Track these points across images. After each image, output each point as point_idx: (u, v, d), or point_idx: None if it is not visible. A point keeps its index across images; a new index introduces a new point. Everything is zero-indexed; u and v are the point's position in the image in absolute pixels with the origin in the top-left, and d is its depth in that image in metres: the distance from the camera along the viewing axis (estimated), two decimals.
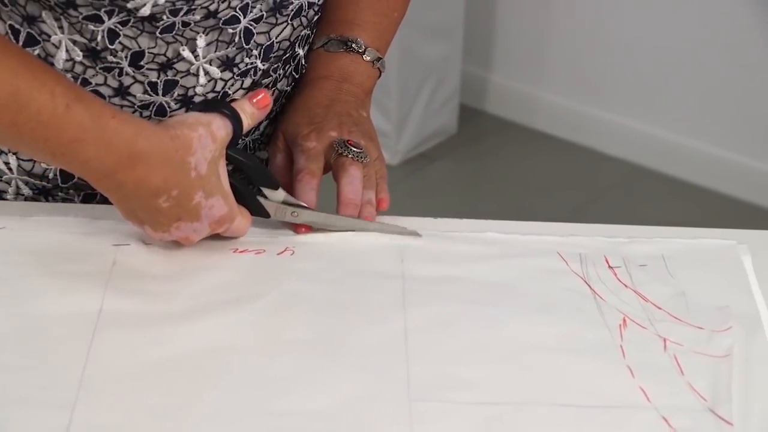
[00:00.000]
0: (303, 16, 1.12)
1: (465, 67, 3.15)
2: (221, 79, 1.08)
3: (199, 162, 0.98)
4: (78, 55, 1.04)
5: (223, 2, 1.03)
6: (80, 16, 1.01)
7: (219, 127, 1.00)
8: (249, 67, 1.10)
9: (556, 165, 3.06)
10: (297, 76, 1.19)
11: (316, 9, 1.14)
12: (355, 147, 1.09)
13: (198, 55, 1.06)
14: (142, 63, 1.04)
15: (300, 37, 1.15)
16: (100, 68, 1.05)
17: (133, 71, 1.05)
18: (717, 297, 1.01)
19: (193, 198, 0.98)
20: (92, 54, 1.04)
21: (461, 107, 3.16)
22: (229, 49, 1.07)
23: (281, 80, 1.16)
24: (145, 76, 1.05)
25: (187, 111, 1.06)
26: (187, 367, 0.91)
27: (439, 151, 3.09)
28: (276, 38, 1.10)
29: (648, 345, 0.96)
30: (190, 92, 1.08)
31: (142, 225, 1.00)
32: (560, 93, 3.16)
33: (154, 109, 1.08)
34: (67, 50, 1.03)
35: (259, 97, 1.04)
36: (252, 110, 1.04)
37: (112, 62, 1.04)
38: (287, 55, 1.14)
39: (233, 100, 1.08)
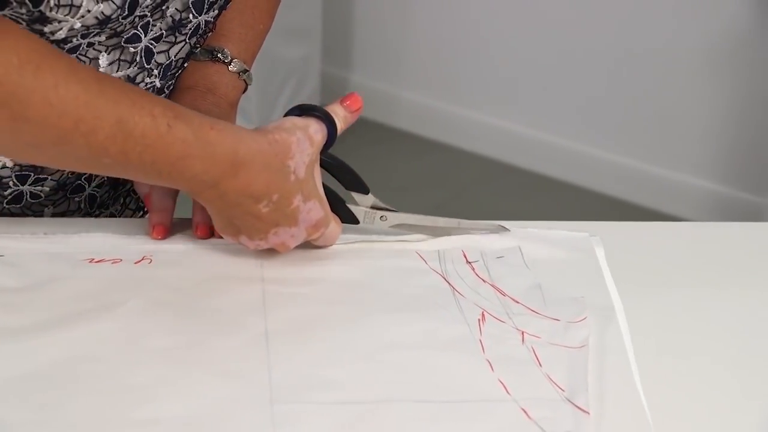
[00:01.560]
0: (200, 35, 1.12)
1: (324, 68, 3.16)
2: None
3: (297, 166, 0.99)
4: None
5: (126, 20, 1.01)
6: None
7: (316, 131, 1.01)
8: (148, 86, 1.09)
9: (417, 163, 3.09)
10: None
11: (210, 27, 1.14)
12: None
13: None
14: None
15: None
16: None
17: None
18: (572, 288, 1.03)
19: (292, 202, 0.99)
20: None
21: None
22: (130, 68, 1.06)
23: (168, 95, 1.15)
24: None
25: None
26: (45, 378, 0.90)
27: None
28: (174, 57, 1.10)
29: (506, 338, 0.97)
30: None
31: (238, 235, 1.01)
32: (420, 92, 3.19)
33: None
34: None
35: (351, 100, 1.06)
36: (344, 114, 1.05)
37: None
38: (179, 72, 1.14)
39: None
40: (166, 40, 1.08)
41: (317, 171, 1.02)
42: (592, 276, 1.06)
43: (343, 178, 1.06)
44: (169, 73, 1.11)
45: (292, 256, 1.05)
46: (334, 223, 1.05)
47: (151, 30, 1.05)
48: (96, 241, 1.06)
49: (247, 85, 1.18)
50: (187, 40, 1.11)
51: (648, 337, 0.98)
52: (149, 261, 1.04)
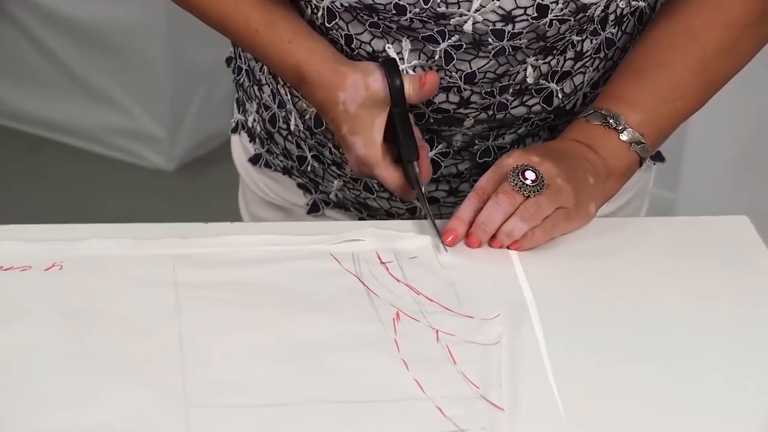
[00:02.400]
0: (509, 55, 1.12)
1: None
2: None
3: (348, 99, 1.11)
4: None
5: (419, 23, 1.10)
6: None
7: (375, 80, 1.10)
8: (451, 85, 1.15)
9: None
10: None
11: (525, 51, 1.12)
12: (528, 177, 1.07)
13: (403, 58, 1.14)
14: (353, 46, 1.15)
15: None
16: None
17: (349, 51, 1.15)
18: (486, 286, 1.04)
19: (341, 129, 1.12)
20: (319, 28, 1.16)
21: None
22: (429, 62, 1.13)
23: (515, 106, 1.17)
24: (361, 59, 1.15)
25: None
26: None
27: (215, 155, 3.07)
28: (478, 69, 1.13)
29: (421, 337, 0.98)
30: None
31: None
32: None
33: None
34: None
35: (425, 77, 1.10)
36: (416, 85, 1.10)
37: (333, 37, 1.15)
38: (492, 86, 1.15)
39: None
40: (466, 51, 1.12)
41: (380, 118, 1.11)
42: (505, 273, 1.06)
43: (396, 139, 1.12)
44: (474, 81, 1.14)
45: (205, 259, 1.05)
46: (384, 170, 1.12)
47: (449, 38, 1.11)
48: (3, 249, 1.04)
49: (641, 158, 1.14)
50: (491, 57, 1.12)
51: (561, 333, 0.99)
52: (59, 267, 1.03)
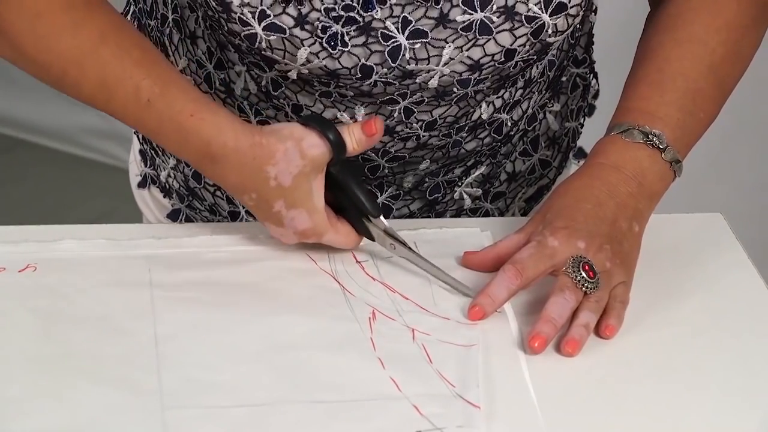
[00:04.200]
0: (471, 98, 1.10)
1: None
2: (380, 141, 1.09)
3: (281, 173, 1.00)
4: (253, 89, 1.10)
5: (381, 86, 1.04)
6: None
7: (311, 145, 1.00)
8: (410, 135, 1.11)
9: None
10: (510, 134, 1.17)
11: (486, 92, 1.10)
12: (587, 277, 0.99)
13: (357, 121, 1.07)
14: (302, 114, 1.09)
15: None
16: (270, 105, 1.11)
17: (296, 118, 1.09)
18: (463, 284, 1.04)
19: (273, 206, 1.01)
20: (264, 94, 1.10)
21: None
22: (387, 121, 1.08)
23: (468, 141, 1.15)
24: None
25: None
26: None
27: None
28: (439, 116, 1.10)
29: (397, 336, 0.98)
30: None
31: None
32: None
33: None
34: (245, 81, 1.10)
35: (367, 124, 1.02)
36: (360, 136, 1.02)
37: (277, 104, 1.10)
38: (449, 130, 1.12)
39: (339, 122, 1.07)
40: (428, 104, 1.08)
41: (318, 183, 1.01)
42: (480, 273, 1.06)
43: (347, 196, 1.04)
44: (434, 128, 1.10)
45: (180, 259, 1.05)
46: (335, 234, 1.04)
47: (411, 96, 1.06)
48: None
49: (675, 176, 1.07)
50: (453, 104, 1.09)
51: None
52: (34, 269, 1.02)
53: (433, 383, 0.93)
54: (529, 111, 1.19)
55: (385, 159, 1.13)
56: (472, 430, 0.88)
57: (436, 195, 1.20)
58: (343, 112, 1.08)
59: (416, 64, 1.03)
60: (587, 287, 0.98)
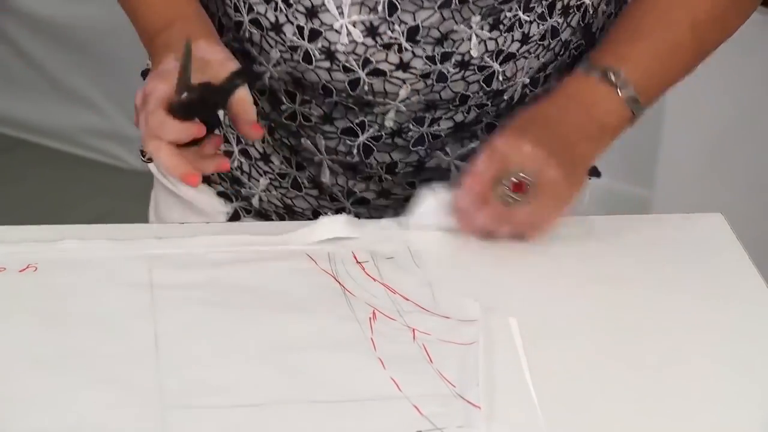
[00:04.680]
0: (455, 10, 1.09)
1: None
2: (363, 44, 1.10)
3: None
4: None
5: None
6: None
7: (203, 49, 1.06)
8: (392, 41, 1.10)
9: None
10: (489, 104, 1.17)
11: (471, 8, 1.10)
12: (514, 194, 1.06)
13: (342, 12, 1.08)
14: (291, 1, 1.09)
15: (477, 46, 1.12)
16: None
17: (285, 8, 1.10)
18: (462, 287, 1.04)
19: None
20: None
21: None
22: (371, 15, 1.08)
23: (455, 79, 1.14)
24: (295, 18, 1.10)
25: (331, 64, 1.12)
26: None
27: None
28: (422, 22, 1.09)
29: (397, 336, 0.98)
30: (332, 47, 1.10)
31: None
32: None
33: (302, 54, 1.12)
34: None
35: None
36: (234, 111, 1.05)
37: None
38: (460, 58, 1.12)
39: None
40: (411, 0, 1.08)
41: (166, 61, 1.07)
42: (481, 273, 1.06)
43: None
44: (418, 38, 1.10)
45: (181, 259, 1.05)
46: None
47: None
48: None
49: (634, 116, 1.11)
50: (437, 9, 1.08)
51: (537, 332, 0.99)
52: (34, 269, 1.02)
53: (434, 383, 0.93)
54: (524, 76, 1.16)
55: (365, 71, 1.12)
56: (473, 430, 0.88)
57: (419, 147, 1.18)
58: None
59: None
60: (509, 201, 1.06)
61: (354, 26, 1.09)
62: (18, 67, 2.98)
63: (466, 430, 0.88)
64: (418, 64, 1.12)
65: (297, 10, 1.10)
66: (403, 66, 1.12)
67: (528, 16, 1.12)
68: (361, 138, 1.17)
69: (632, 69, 1.11)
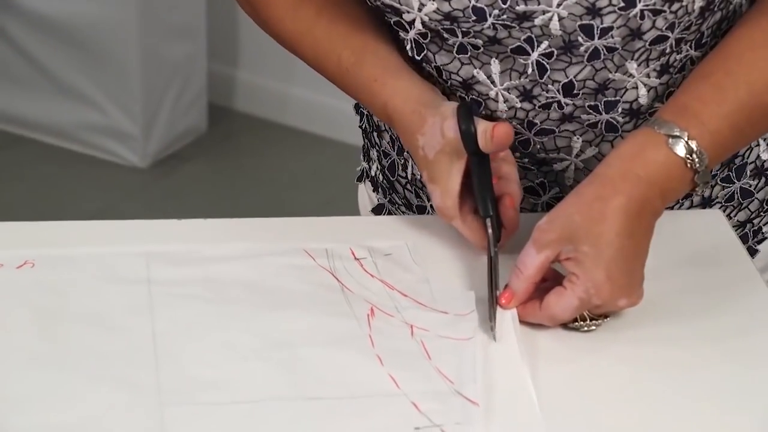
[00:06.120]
0: (606, 59, 1.04)
1: (211, 66, 3.13)
2: (522, 108, 1.09)
3: (427, 144, 1.05)
4: (405, 57, 1.11)
5: (503, 30, 1.03)
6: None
7: (448, 128, 1.04)
8: (550, 100, 1.08)
9: (308, 159, 3.08)
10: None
11: (623, 54, 1.04)
12: (594, 319, 0.99)
13: (494, 81, 1.07)
14: (444, 77, 1.10)
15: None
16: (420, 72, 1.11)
17: (443, 81, 1.10)
18: (460, 282, 1.04)
19: (423, 174, 1.06)
20: (413, 62, 1.11)
21: (210, 106, 3.14)
22: (521, 79, 1.07)
23: (627, 129, 1.08)
24: (456, 89, 1.10)
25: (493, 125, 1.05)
26: None
27: (189, 151, 3.07)
28: (575, 77, 1.06)
29: (395, 332, 0.98)
30: (494, 114, 1.10)
31: None
32: (308, 88, 3.18)
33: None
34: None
35: (495, 129, 1.02)
36: (488, 135, 1.02)
37: (425, 71, 1.11)
38: (628, 107, 1.07)
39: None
40: (559, 59, 1.05)
41: (457, 167, 1.04)
42: (479, 270, 1.06)
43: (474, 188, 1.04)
44: (574, 92, 1.07)
45: (179, 256, 1.04)
46: (460, 223, 1.05)
47: (538, 46, 1.04)
48: None
49: (695, 179, 1.00)
50: (586, 62, 1.05)
51: (535, 327, 0.99)
52: (31, 265, 1.02)
53: (432, 380, 0.93)
54: None
55: (532, 131, 1.11)
56: (471, 426, 0.88)
57: None
58: (479, 69, 1.07)
59: (525, 4, 1.01)
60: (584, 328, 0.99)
61: (509, 92, 1.08)
62: (17, 63, 2.98)
63: (464, 427, 0.88)
64: (582, 114, 1.09)
65: (453, 84, 1.10)
66: (567, 117, 1.09)
67: (700, 52, 1.08)
68: (544, 197, 1.16)
69: (711, 146, 1.00)
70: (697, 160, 0.99)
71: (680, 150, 0.99)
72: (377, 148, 1.25)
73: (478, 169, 1.04)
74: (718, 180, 1.17)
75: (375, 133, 1.25)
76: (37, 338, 0.94)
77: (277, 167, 3.04)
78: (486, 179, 1.04)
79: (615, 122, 1.10)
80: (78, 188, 2.90)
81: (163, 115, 3.00)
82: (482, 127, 1.03)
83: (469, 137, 1.03)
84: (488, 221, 1.03)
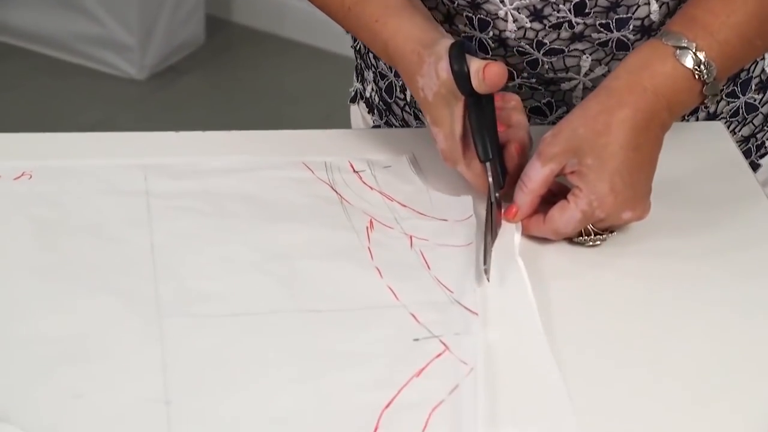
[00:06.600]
0: None
1: None
2: (532, 28, 1.07)
3: (426, 86, 1.00)
4: None
5: None
6: None
7: (443, 69, 0.99)
8: (561, 20, 1.06)
9: (308, 73, 3.06)
10: None
11: None
12: (599, 234, 0.98)
13: (503, 0, 1.05)
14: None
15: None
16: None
17: (449, 2, 1.08)
18: (459, 192, 1.04)
19: (426, 116, 1.02)
20: None
21: (207, 18, 3.11)
22: None
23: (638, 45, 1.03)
24: (463, 9, 1.08)
25: (505, 51, 1.08)
26: None
27: (187, 63, 3.04)
28: None
29: (394, 244, 0.97)
30: (502, 35, 1.08)
31: None
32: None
33: (476, 44, 1.09)
34: None
35: (487, 69, 0.97)
36: (479, 79, 0.97)
37: None
38: (639, 24, 1.05)
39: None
40: None
41: (457, 110, 0.99)
42: None
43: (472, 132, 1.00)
44: (585, 11, 1.05)
45: (176, 168, 1.04)
46: (464, 167, 1.01)
47: None
48: None
49: (704, 91, 0.98)
50: None
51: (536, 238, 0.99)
52: (29, 177, 1.01)
53: (431, 290, 0.93)
54: None
55: (541, 51, 1.09)
56: (470, 336, 0.88)
57: None
58: None
59: None
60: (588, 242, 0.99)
61: (518, 12, 1.06)
62: None
63: (464, 338, 0.88)
64: (592, 33, 1.07)
65: (460, 4, 1.07)
66: (578, 36, 1.08)
67: None
68: (551, 117, 1.14)
69: (720, 56, 0.98)
70: (705, 71, 0.98)
71: (688, 61, 0.98)
72: (373, 69, 1.23)
73: (475, 110, 0.99)
74: (723, 95, 1.16)
75: (371, 54, 1.23)
76: (35, 249, 0.94)
77: (275, 80, 3.02)
78: (485, 121, 0.99)
79: (626, 40, 1.08)
80: (74, 100, 2.89)
81: (160, 27, 2.97)
82: (475, 67, 0.98)
83: (462, 78, 0.98)
84: (488, 165, 0.99)
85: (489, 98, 0.99)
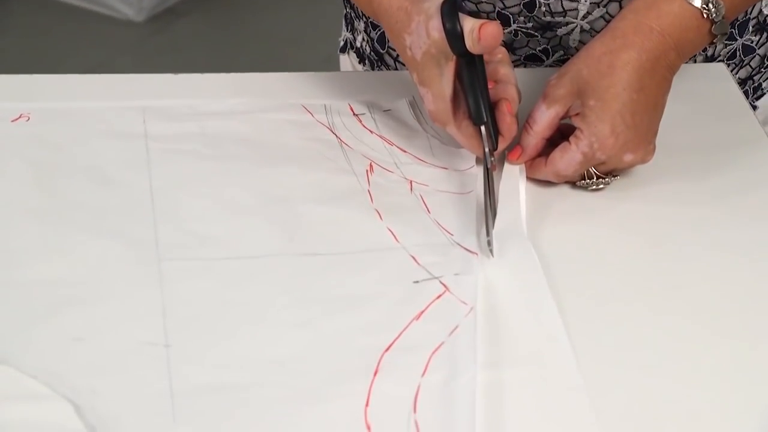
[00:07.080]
0: None
1: None
2: None
3: (414, 45, 0.96)
4: None
5: None
6: None
7: (434, 27, 0.95)
8: None
9: (307, 16, 3.05)
10: None
11: None
12: (601, 177, 0.97)
13: None
14: None
15: None
16: None
17: None
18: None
19: (413, 75, 0.98)
20: None
21: None
22: None
23: None
24: None
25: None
26: None
27: (186, 5, 3.03)
28: None
29: (394, 187, 0.97)
30: None
31: None
32: None
33: None
34: None
35: (481, 29, 0.93)
36: (474, 36, 0.94)
37: None
38: None
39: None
40: None
41: (447, 70, 0.95)
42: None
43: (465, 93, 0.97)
44: None
45: (175, 111, 1.03)
46: (454, 128, 0.98)
47: None
48: None
49: (713, 30, 0.97)
50: None
51: (537, 182, 0.99)
52: (27, 119, 1.01)
53: (431, 233, 0.92)
54: None
55: None
56: (469, 276, 0.88)
57: None
58: None
59: None
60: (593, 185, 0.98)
61: None
62: None
63: (463, 278, 0.88)
64: None
65: None
66: None
67: None
68: (547, 61, 1.13)
69: None
70: (713, 10, 0.97)
71: (696, 0, 0.97)
72: (365, 18, 1.22)
73: (468, 71, 0.95)
74: None
75: None
76: (34, 192, 0.93)
77: (274, 22, 3.00)
78: (478, 82, 0.96)
79: None
80: (72, 42, 2.87)
81: None
82: (469, 26, 0.94)
83: (455, 37, 0.93)
84: (483, 129, 0.96)
85: (481, 58, 0.96)
